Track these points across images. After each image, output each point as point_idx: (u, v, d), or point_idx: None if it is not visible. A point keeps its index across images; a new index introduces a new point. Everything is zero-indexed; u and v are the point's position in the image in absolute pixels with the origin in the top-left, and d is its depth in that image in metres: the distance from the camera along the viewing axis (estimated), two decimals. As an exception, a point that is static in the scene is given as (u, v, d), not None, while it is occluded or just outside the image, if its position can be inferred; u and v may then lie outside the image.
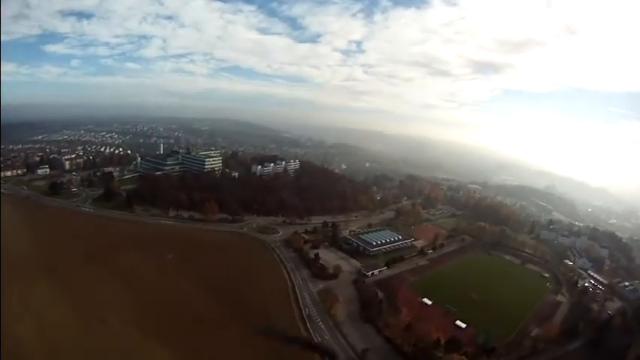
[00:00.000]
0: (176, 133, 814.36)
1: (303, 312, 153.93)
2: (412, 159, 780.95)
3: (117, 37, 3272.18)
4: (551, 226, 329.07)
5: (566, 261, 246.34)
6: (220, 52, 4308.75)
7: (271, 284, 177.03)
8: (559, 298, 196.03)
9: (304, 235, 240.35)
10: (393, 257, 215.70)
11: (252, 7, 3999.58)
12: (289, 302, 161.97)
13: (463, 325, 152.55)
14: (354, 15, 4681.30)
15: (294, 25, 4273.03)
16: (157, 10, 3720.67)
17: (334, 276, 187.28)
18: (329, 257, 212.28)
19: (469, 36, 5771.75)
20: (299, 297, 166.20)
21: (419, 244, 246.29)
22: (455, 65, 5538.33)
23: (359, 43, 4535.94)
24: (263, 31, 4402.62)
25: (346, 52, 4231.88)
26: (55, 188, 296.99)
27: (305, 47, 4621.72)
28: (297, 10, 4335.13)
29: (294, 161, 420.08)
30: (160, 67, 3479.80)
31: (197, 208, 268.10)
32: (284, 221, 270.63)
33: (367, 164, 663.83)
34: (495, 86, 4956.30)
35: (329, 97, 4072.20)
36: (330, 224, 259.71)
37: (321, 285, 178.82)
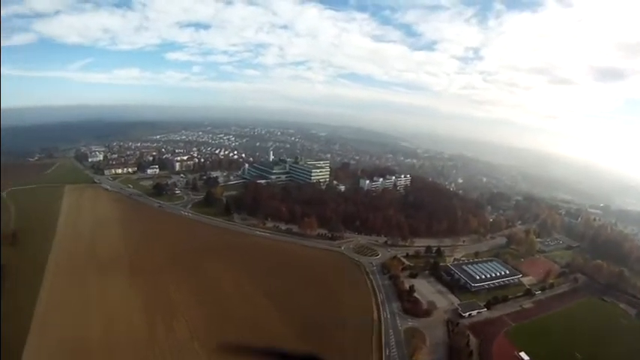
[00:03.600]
0: (293, 138, 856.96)
1: (384, 352, 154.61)
2: (531, 175, 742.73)
3: (234, 45, 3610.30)
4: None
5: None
6: (337, 60, 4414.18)
7: (356, 315, 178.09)
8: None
9: (404, 260, 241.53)
10: (496, 296, 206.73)
11: (365, 15, 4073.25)
12: (370, 339, 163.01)
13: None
14: (467, 20, 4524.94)
15: (408, 32, 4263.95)
16: (271, 20, 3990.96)
17: (427, 313, 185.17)
18: (426, 289, 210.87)
19: (587, 40, 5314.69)
20: (382, 334, 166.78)
21: (527, 281, 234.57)
22: (575, 72, 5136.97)
23: (476, 50, 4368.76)
24: (378, 38, 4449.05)
25: (464, 60, 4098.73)
26: (158, 189, 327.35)
27: (421, 54, 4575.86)
28: (410, 17, 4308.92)
29: (405, 176, 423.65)
30: (278, 74, 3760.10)
31: (296, 221, 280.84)
32: (386, 242, 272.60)
33: (484, 179, 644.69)
34: (619, 95, 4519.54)
35: (448, 106, 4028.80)
36: (434, 249, 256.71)
37: (410, 322, 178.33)
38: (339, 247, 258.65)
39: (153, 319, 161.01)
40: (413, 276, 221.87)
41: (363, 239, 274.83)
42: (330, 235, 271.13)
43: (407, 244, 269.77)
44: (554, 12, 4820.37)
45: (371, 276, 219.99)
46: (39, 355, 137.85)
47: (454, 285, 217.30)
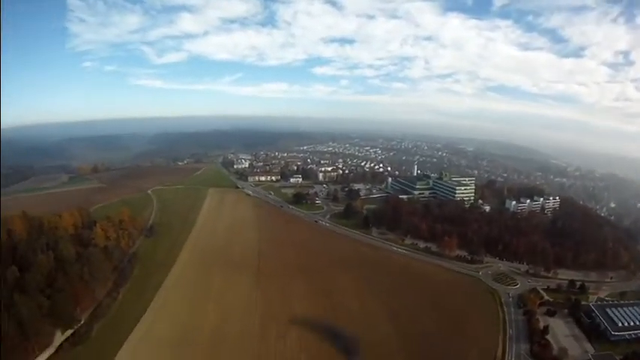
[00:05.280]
0: (440, 153, 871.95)
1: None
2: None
3: (380, 59, 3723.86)
4: None
5: None
6: (484, 71, 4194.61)
7: (478, 350, 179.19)
8: None
9: (543, 294, 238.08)
10: (635, 350, 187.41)
11: (509, 22, 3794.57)
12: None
13: None
14: (614, 20, 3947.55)
15: (554, 37, 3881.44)
16: (415, 32, 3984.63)
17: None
18: (561, 331, 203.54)
19: None
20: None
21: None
22: None
23: (626, 54, 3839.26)
24: (523, 46, 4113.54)
25: (614, 66, 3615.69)
26: (298, 198, 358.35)
27: (569, 62, 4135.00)
28: (554, 22, 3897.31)
29: (554, 199, 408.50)
30: (425, 87, 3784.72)
31: (436, 240, 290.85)
32: (527, 271, 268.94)
33: (639, 204, 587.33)
34: None
35: (600, 119, 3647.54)
36: (577, 285, 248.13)
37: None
38: (477, 271, 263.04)
39: (267, 323, 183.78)
40: (551, 314, 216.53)
41: (503, 265, 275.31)
42: (469, 258, 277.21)
43: (549, 275, 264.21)
44: None
45: (505, 308, 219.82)
46: (144, 338, 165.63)
47: (593, 330, 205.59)
